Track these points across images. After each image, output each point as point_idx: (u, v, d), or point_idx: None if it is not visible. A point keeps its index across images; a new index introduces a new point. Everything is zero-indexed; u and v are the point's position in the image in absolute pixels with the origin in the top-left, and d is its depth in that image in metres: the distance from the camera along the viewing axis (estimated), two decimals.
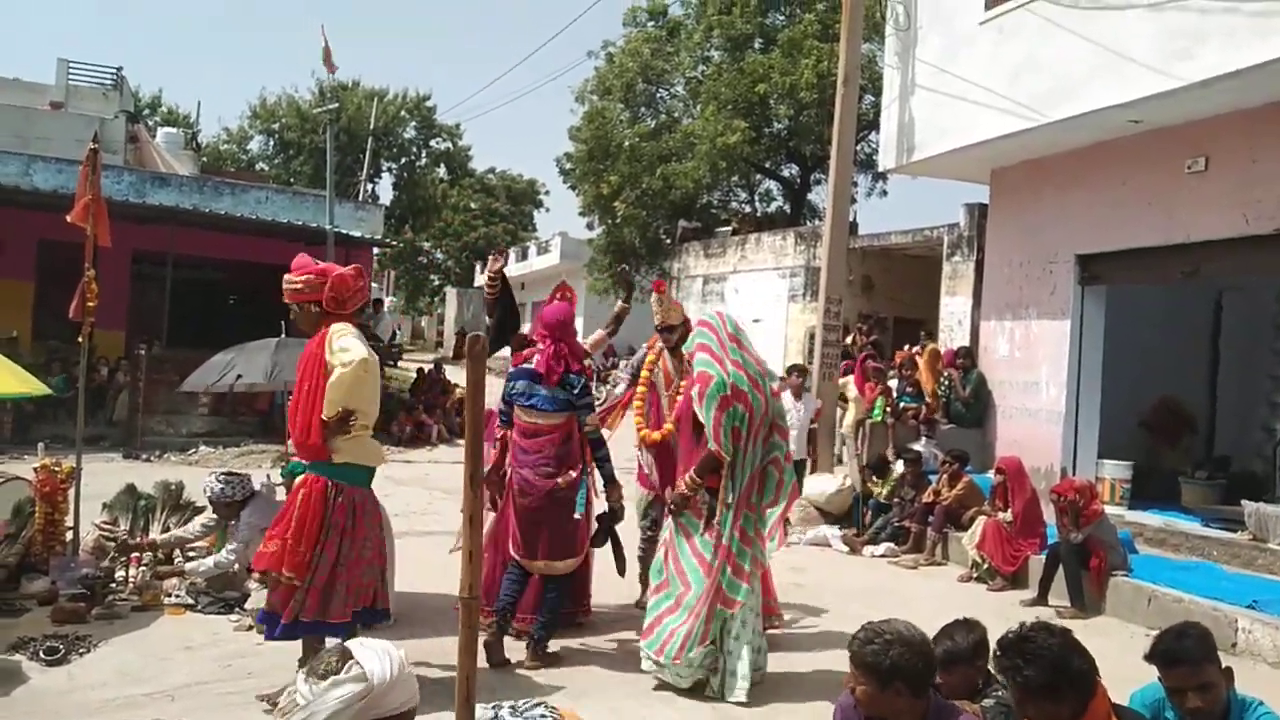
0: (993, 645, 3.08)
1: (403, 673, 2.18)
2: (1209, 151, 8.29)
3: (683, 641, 4.95)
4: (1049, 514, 7.95)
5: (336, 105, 23.38)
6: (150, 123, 35.53)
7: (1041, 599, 7.32)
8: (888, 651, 2.75)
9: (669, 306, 6.19)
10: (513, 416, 5.45)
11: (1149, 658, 3.04)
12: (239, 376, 6.20)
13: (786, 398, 8.81)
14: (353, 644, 2.27)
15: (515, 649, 5.42)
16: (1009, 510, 8.14)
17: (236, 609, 5.89)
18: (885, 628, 2.84)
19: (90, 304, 6.49)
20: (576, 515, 5.31)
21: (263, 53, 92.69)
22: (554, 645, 5.49)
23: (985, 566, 8.02)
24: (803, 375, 9.83)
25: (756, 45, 24.14)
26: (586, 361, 5.83)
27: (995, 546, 7.98)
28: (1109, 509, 8.20)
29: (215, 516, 6.35)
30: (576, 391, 5.35)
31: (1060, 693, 2.67)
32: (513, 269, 37.62)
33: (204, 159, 34.40)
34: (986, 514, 8.30)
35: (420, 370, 20.79)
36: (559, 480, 5.27)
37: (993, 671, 3.45)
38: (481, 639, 4.18)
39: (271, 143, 43.88)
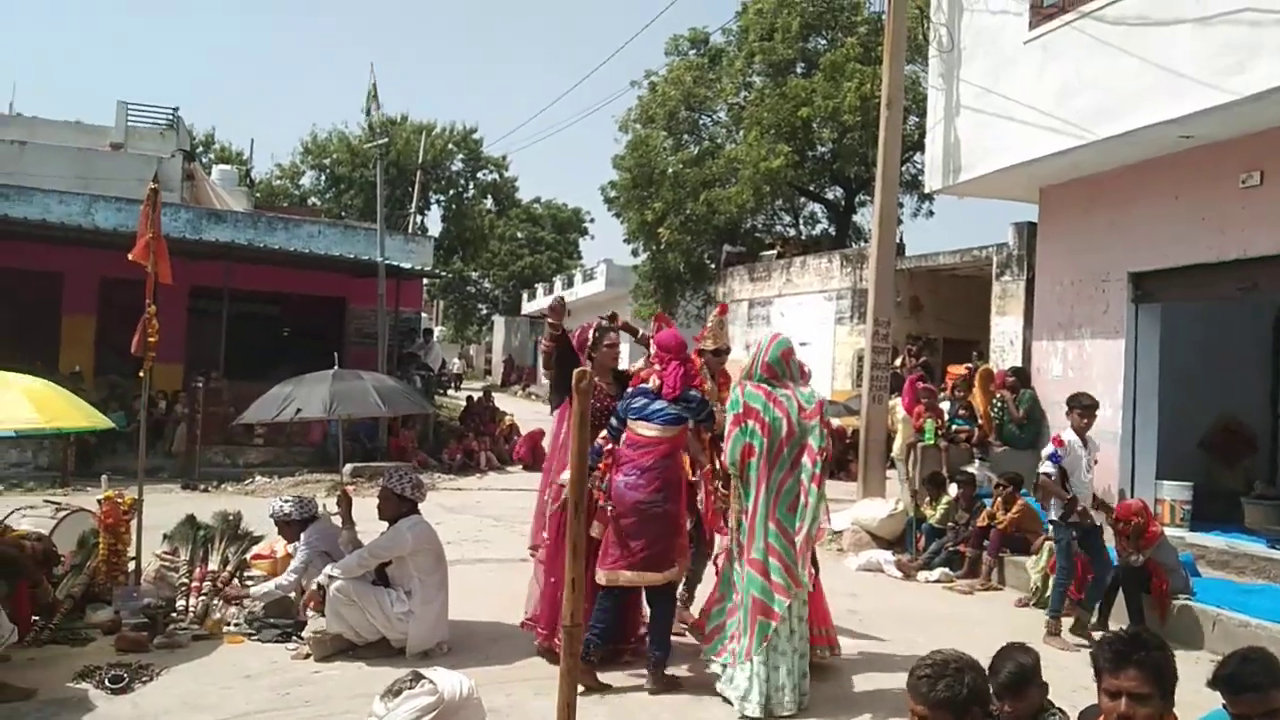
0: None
1: (473, 697, 2.27)
2: (1264, 165, 8.14)
3: (745, 649, 5.10)
4: (1107, 537, 7.78)
5: (386, 140, 23.76)
6: (205, 160, 36.52)
7: (1102, 624, 7.15)
8: (962, 680, 2.72)
9: (727, 332, 6.41)
10: (622, 433, 5.59)
11: (1213, 684, 2.98)
12: (298, 410, 6.31)
13: (1072, 438, 7.08)
14: (425, 670, 2.37)
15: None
16: None
17: (294, 637, 5.98)
18: (945, 658, 2.81)
19: (151, 339, 6.66)
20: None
21: (313, 90, 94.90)
22: (603, 677, 5.47)
23: (1049, 592, 7.84)
24: (1088, 412, 7.22)
25: (798, 70, 24.21)
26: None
27: None
28: (1169, 531, 8.01)
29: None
30: (694, 406, 5.54)
31: (1168, 683, 2.83)
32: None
33: (257, 195, 35.27)
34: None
35: (470, 398, 20.97)
36: (646, 493, 5.34)
37: (1051, 700, 3.40)
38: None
39: (323, 178, 44.83)
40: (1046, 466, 6.99)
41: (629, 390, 5.70)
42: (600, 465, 5.50)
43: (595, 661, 5.34)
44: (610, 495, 5.42)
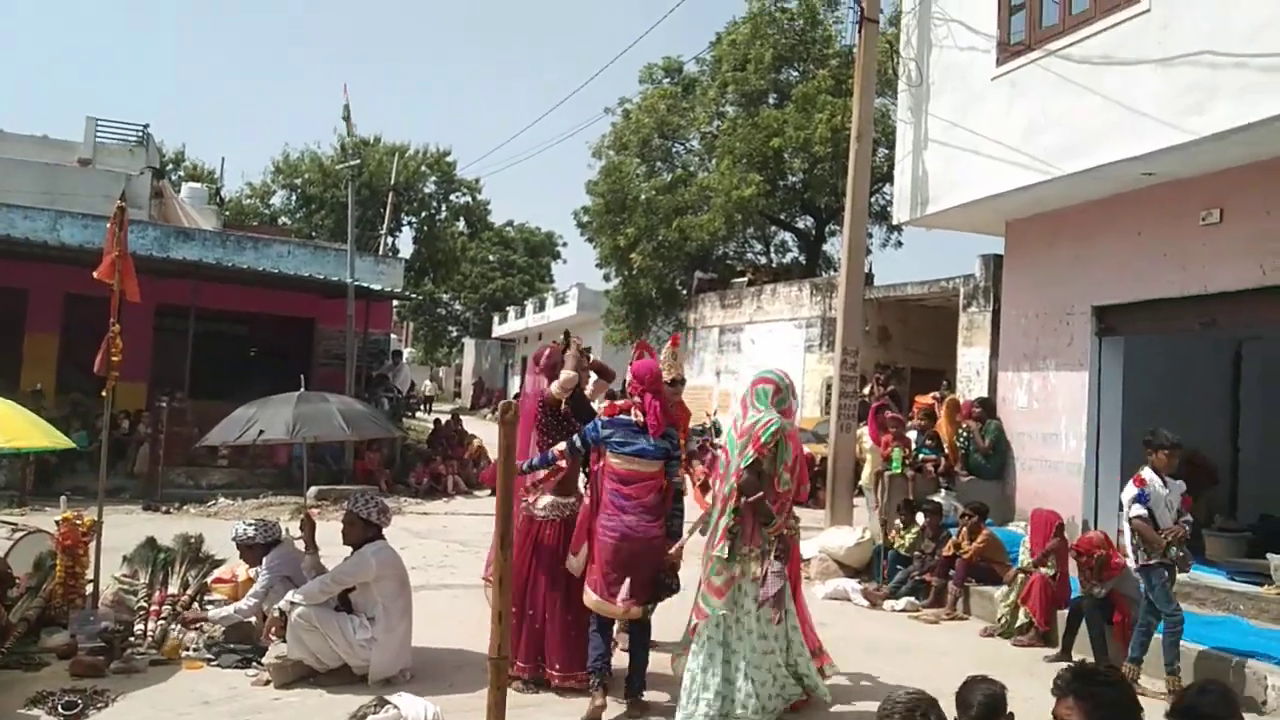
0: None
1: None
2: (1223, 204, 8.32)
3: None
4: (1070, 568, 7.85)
5: (358, 161, 23.76)
6: (174, 178, 36.22)
7: (1065, 654, 7.20)
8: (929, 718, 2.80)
9: (681, 361, 6.35)
10: (588, 455, 5.64)
11: (1171, 715, 3.01)
12: (261, 433, 6.24)
13: (1152, 477, 6.52)
14: (391, 695, 2.37)
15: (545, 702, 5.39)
16: (1050, 564, 7.99)
17: (254, 663, 5.89)
18: (910, 698, 2.88)
19: (115, 358, 6.57)
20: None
21: (286, 109, 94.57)
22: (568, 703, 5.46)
23: (1018, 623, 7.90)
24: (1174, 451, 6.57)
25: (771, 100, 24.49)
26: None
27: (1039, 602, 7.79)
28: (1131, 562, 8.08)
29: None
30: (674, 441, 5.62)
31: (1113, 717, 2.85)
32: (530, 320, 37.87)
33: (227, 213, 34.98)
34: (1028, 570, 8.13)
35: (438, 421, 20.85)
36: (657, 529, 5.46)
37: None
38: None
39: (294, 197, 44.55)
40: (1136, 509, 6.42)
41: (603, 419, 5.67)
42: (546, 476, 5.66)
43: (608, 687, 5.40)
44: (615, 533, 5.41)
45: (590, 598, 5.46)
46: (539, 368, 6.07)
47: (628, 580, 5.38)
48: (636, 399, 5.57)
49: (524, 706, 5.35)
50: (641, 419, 5.48)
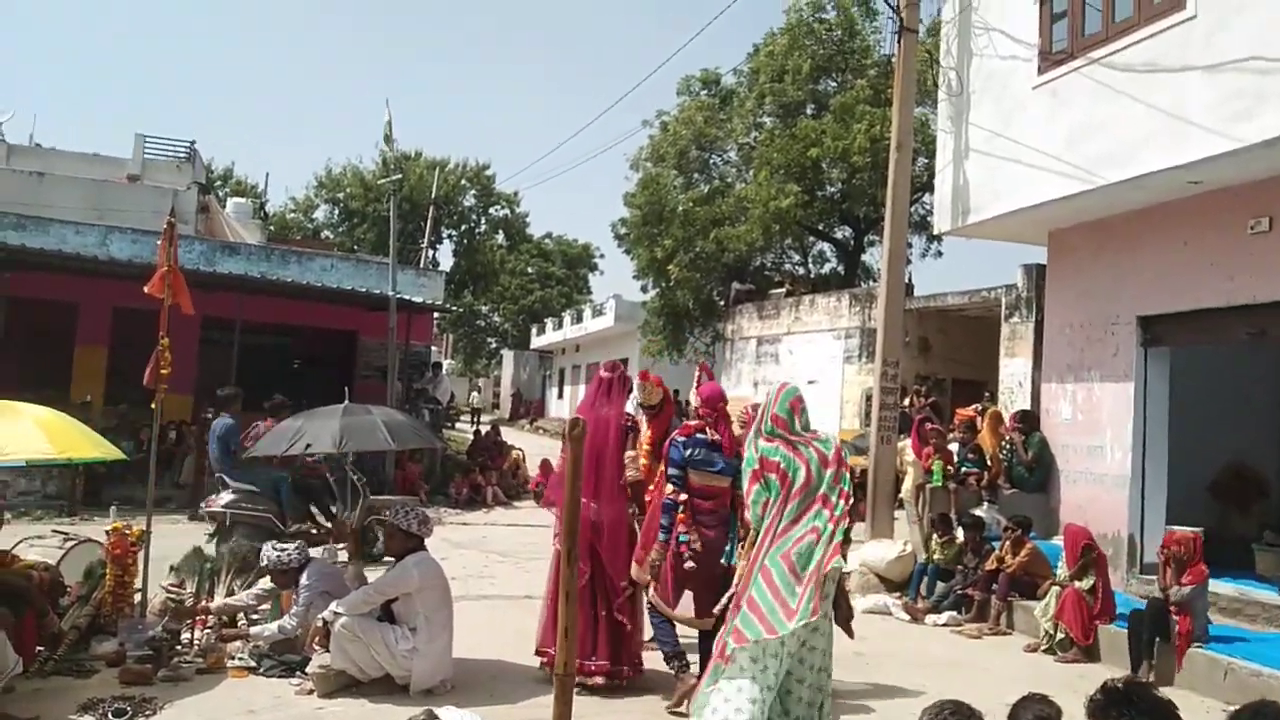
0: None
1: None
2: (1273, 212, 8.16)
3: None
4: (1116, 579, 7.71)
5: (399, 175, 24.00)
6: (220, 193, 36.86)
7: (1134, 669, 7.02)
8: None
9: (650, 391, 6.79)
10: (687, 480, 5.72)
11: None
12: (308, 446, 6.33)
13: None
14: (438, 709, 2.39)
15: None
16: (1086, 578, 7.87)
17: (298, 672, 5.95)
18: (956, 708, 2.83)
19: (164, 371, 6.70)
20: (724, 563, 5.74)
21: (328, 124, 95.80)
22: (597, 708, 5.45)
23: (1059, 638, 7.79)
24: None
25: (809, 111, 24.39)
26: None
27: (1074, 617, 7.72)
28: None
29: (270, 584, 6.48)
30: (739, 461, 5.78)
31: None
32: (568, 332, 38.03)
33: (271, 228, 35.54)
34: (1061, 584, 8.03)
35: (477, 432, 20.97)
36: (724, 543, 5.73)
37: None
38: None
39: (336, 211, 45.19)
40: None
41: (681, 439, 5.81)
42: (680, 517, 5.61)
43: (689, 671, 5.58)
44: (699, 544, 5.58)
45: (668, 611, 5.67)
46: (613, 374, 6.36)
47: (705, 594, 5.58)
48: (710, 419, 5.86)
49: (584, 716, 5.35)
50: (715, 438, 5.77)
